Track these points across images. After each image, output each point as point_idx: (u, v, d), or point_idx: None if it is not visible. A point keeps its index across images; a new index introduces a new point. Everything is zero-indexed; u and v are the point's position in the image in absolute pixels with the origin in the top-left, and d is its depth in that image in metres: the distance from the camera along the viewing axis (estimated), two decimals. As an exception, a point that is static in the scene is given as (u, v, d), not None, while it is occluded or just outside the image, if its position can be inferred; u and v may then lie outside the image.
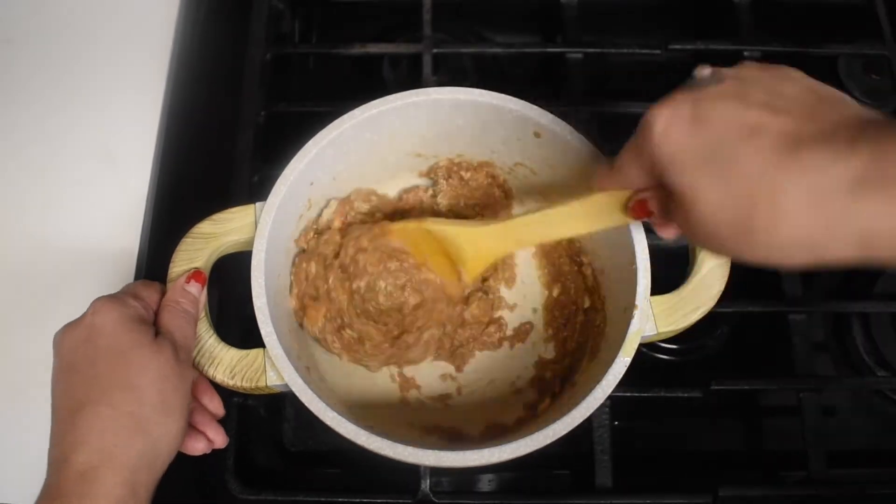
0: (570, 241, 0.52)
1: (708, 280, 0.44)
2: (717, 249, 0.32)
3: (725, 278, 0.44)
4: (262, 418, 0.54)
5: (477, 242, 0.47)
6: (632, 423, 0.54)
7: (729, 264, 0.45)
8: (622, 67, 0.66)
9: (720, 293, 0.44)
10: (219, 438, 0.44)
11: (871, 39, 0.61)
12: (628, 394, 0.49)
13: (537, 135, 0.48)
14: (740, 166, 0.29)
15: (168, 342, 0.40)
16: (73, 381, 0.38)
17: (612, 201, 0.40)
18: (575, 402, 0.41)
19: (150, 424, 0.37)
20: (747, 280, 0.58)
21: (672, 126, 0.31)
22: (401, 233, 0.49)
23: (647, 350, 0.56)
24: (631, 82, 0.66)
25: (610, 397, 0.49)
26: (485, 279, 0.53)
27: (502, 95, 0.47)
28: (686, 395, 0.50)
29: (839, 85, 0.62)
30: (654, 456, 0.55)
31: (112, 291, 0.43)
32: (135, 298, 0.42)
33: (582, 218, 0.42)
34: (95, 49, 0.62)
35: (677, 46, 0.60)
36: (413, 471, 0.47)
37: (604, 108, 0.57)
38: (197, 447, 0.43)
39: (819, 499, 0.48)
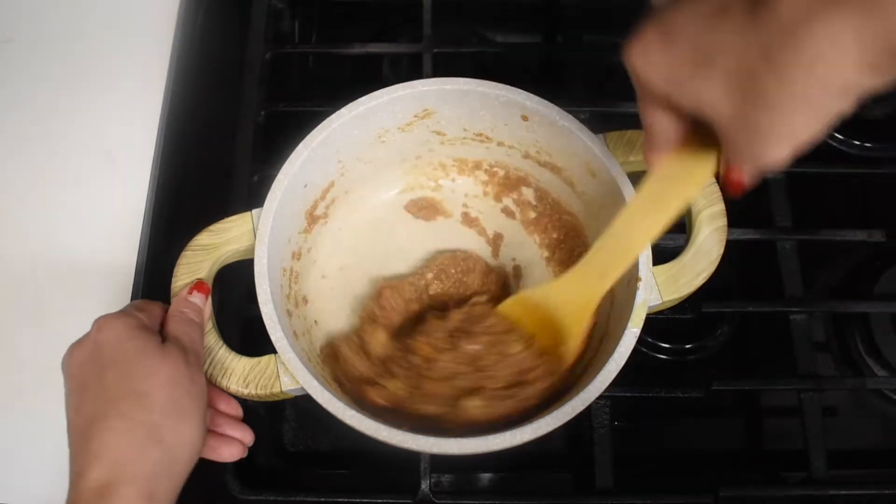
0: (575, 226, 0.52)
1: (707, 245, 0.45)
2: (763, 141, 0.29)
3: (724, 242, 0.45)
4: (261, 419, 0.54)
5: (568, 296, 0.43)
6: (632, 423, 0.54)
7: (726, 228, 0.45)
8: (622, 68, 0.66)
9: (720, 257, 0.45)
10: (248, 437, 0.44)
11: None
12: (629, 394, 0.49)
13: (525, 118, 0.48)
14: (724, 49, 0.28)
15: (175, 347, 0.40)
16: (84, 397, 0.38)
17: (678, 170, 0.35)
18: (588, 379, 0.41)
19: (164, 431, 0.37)
20: (748, 280, 0.58)
21: (648, 53, 0.30)
22: (504, 313, 0.46)
23: (647, 350, 0.56)
24: (631, 83, 0.66)
25: (610, 397, 0.49)
26: None
27: (487, 82, 0.47)
28: (687, 395, 0.50)
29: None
30: (654, 456, 0.55)
31: (111, 294, 0.43)
32: (138, 311, 0.42)
33: (657, 205, 0.36)
34: (95, 49, 0.62)
35: (678, 46, 0.59)
36: (413, 470, 0.47)
37: (604, 109, 0.57)
38: (233, 452, 0.43)
39: (820, 499, 0.48)
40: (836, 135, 0.61)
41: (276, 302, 0.44)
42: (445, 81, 0.48)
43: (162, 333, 0.41)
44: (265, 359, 0.43)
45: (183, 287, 0.44)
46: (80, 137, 0.59)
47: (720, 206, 0.46)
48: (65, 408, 0.39)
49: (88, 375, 0.38)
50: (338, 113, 0.47)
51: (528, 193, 0.55)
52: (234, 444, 0.43)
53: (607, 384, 0.41)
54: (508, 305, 0.46)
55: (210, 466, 0.43)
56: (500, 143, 0.52)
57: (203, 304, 0.44)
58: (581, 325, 0.44)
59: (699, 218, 0.45)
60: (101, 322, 0.40)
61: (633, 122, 0.49)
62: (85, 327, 0.40)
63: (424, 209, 0.55)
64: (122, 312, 0.41)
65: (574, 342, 0.44)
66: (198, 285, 0.44)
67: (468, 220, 0.54)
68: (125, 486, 0.35)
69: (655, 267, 0.44)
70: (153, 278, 0.51)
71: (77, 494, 0.35)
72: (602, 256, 0.41)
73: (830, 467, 0.48)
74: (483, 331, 0.45)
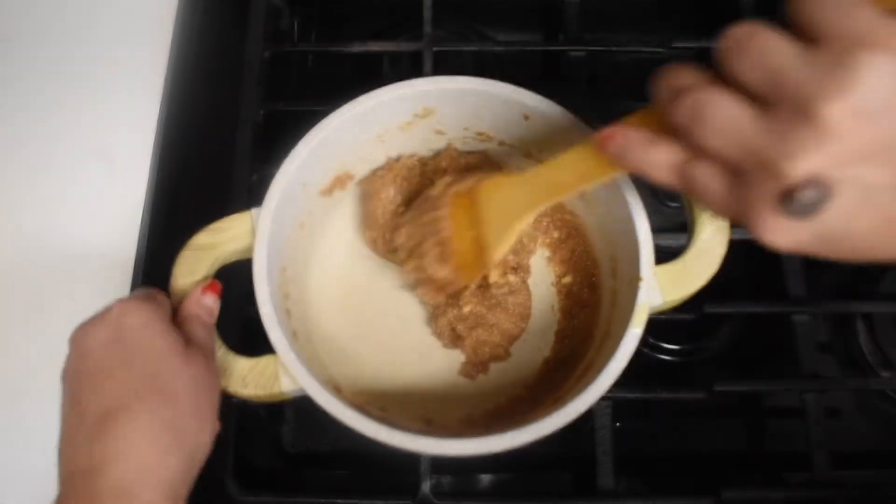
0: (576, 226, 0.52)
1: (709, 245, 0.44)
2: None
3: (727, 242, 0.44)
4: (261, 419, 0.54)
5: (504, 199, 0.44)
6: (634, 424, 0.54)
7: (729, 227, 0.45)
8: (625, 66, 0.66)
9: (723, 257, 0.44)
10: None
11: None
12: (631, 395, 0.49)
13: (526, 117, 0.47)
14: None
15: (199, 350, 0.39)
16: (105, 383, 0.36)
17: None
18: (590, 380, 0.41)
19: (188, 435, 0.36)
20: (751, 280, 0.57)
21: None
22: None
23: (649, 351, 0.56)
24: (634, 81, 0.66)
25: (612, 398, 0.49)
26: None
27: (488, 80, 0.47)
28: (689, 396, 0.50)
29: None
30: (656, 457, 0.55)
31: (110, 293, 0.43)
32: (157, 303, 0.40)
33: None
34: (92, 47, 0.61)
35: (681, 45, 0.59)
36: (413, 472, 0.47)
37: (606, 108, 0.57)
38: None
39: (823, 501, 0.48)
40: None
41: (275, 302, 0.43)
42: (446, 80, 0.47)
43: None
44: (264, 359, 0.43)
45: (182, 288, 0.44)
46: (78, 136, 0.58)
47: None
48: (70, 384, 0.37)
49: (111, 360, 0.36)
50: (337, 112, 0.47)
51: (528, 193, 0.54)
52: None
53: (609, 385, 0.41)
54: (463, 191, 0.46)
55: (208, 467, 0.42)
56: (500, 143, 0.51)
57: (215, 305, 0.43)
58: (510, 232, 0.43)
59: (702, 218, 0.45)
60: (125, 306, 0.38)
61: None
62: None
63: (425, 208, 0.54)
64: (146, 302, 0.39)
65: (497, 247, 0.44)
66: (211, 286, 0.43)
67: None
68: (147, 488, 0.34)
69: (658, 267, 0.44)
70: (152, 277, 0.50)
71: (95, 490, 0.33)
72: (555, 174, 0.41)
73: (833, 468, 0.48)
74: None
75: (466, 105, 0.48)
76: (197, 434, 0.37)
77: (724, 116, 0.27)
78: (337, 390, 0.47)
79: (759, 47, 0.26)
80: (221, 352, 0.43)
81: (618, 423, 0.49)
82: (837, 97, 0.24)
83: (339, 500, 0.47)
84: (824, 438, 0.49)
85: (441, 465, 0.50)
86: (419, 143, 0.52)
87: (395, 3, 0.65)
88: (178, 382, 0.37)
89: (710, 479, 0.50)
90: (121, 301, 0.39)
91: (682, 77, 0.29)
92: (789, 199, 0.26)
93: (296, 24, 0.67)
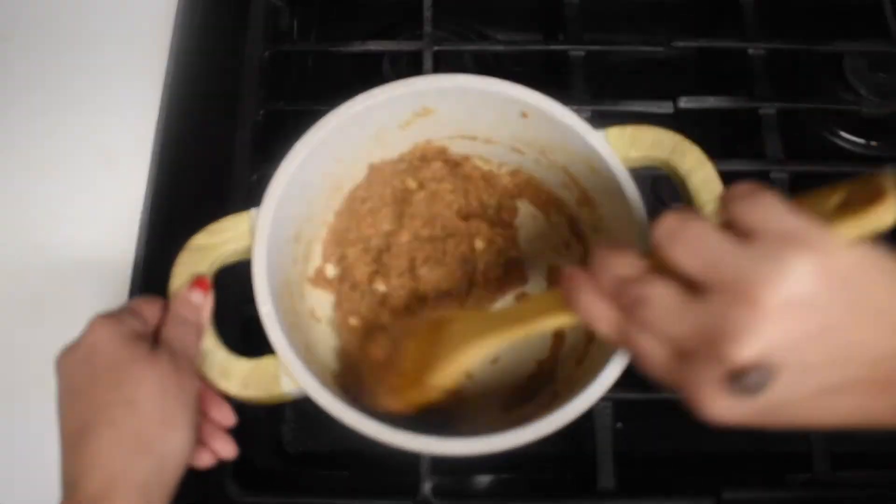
0: (575, 222, 0.52)
1: None
2: None
3: None
4: (260, 420, 0.54)
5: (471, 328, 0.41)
6: (634, 424, 0.54)
7: None
8: (625, 65, 0.66)
9: None
10: (227, 449, 0.42)
11: (878, 37, 0.61)
12: (631, 395, 0.49)
13: (525, 115, 0.47)
14: None
15: (164, 352, 0.39)
16: (76, 403, 0.38)
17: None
18: (591, 380, 0.41)
19: (155, 440, 0.37)
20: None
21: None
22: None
23: (649, 351, 0.56)
24: (634, 80, 0.66)
25: (612, 398, 0.49)
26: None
27: (487, 78, 0.47)
28: (689, 396, 0.50)
29: (844, 83, 0.61)
30: (656, 458, 0.55)
31: (109, 294, 0.43)
32: (133, 314, 0.41)
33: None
34: (92, 47, 0.61)
35: (681, 44, 0.59)
36: (413, 472, 0.47)
37: (606, 107, 0.57)
38: (202, 460, 0.42)
39: (824, 501, 0.48)
40: (841, 133, 0.61)
41: (275, 302, 0.43)
42: (444, 78, 0.47)
43: (156, 335, 0.41)
44: (265, 360, 0.43)
45: (181, 287, 0.44)
46: (77, 136, 0.58)
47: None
48: (57, 408, 0.38)
49: (80, 380, 0.38)
50: (336, 111, 0.46)
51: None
52: (204, 451, 0.42)
53: (609, 385, 0.41)
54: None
55: (207, 469, 0.42)
56: (488, 141, 0.51)
57: (202, 301, 0.43)
58: (456, 359, 0.40)
59: (702, 214, 0.45)
60: (93, 325, 0.39)
61: (635, 119, 0.49)
62: (82, 327, 0.40)
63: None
64: (114, 317, 0.40)
65: (441, 375, 0.41)
66: (198, 282, 0.43)
67: None
68: (119, 497, 0.35)
69: None
70: (151, 278, 0.51)
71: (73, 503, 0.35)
72: (515, 312, 0.41)
73: (834, 469, 0.48)
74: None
75: (465, 103, 0.48)
76: (165, 438, 0.37)
77: (664, 306, 0.29)
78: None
79: (694, 237, 0.28)
80: (221, 353, 0.43)
81: (619, 424, 0.49)
82: (773, 285, 0.26)
83: (339, 500, 0.47)
84: (824, 438, 0.49)
85: (441, 465, 0.49)
86: (415, 143, 0.52)
87: (395, 3, 0.65)
88: (140, 391, 0.37)
89: (710, 479, 0.50)
90: (92, 320, 0.40)
91: (621, 266, 0.30)
92: (736, 381, 0.27)
93: (296, 24, 0.67)
